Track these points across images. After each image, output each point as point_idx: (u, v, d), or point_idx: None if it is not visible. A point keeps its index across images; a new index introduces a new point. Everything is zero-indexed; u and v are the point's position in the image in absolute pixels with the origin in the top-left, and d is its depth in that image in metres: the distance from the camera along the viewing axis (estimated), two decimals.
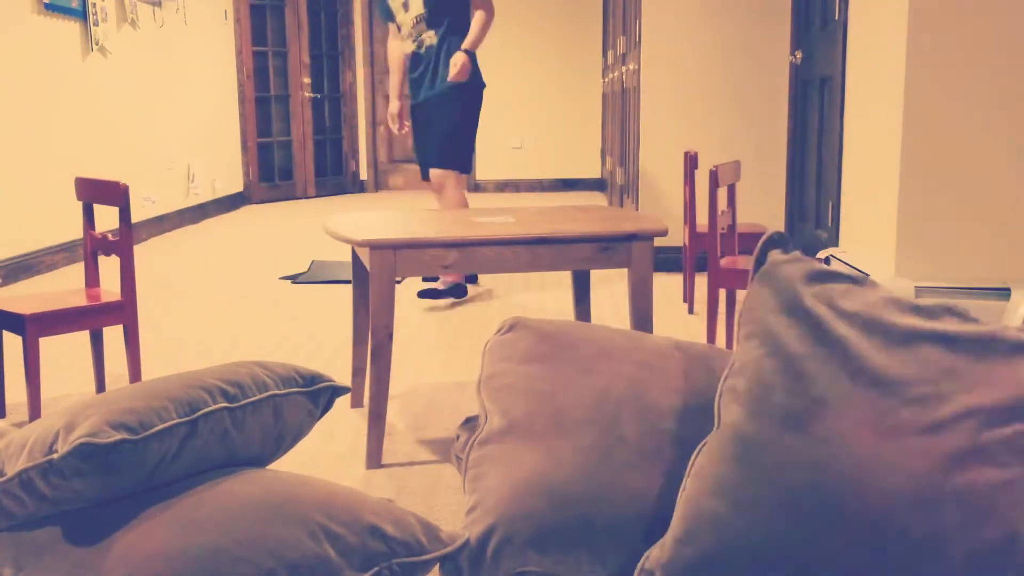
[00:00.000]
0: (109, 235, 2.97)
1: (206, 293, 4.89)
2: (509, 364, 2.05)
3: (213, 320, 4.26)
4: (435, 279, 4.74)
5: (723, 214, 3.55)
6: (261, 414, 1.76)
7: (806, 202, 5.05)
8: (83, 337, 3.92)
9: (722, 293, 4.89)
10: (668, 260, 5.56)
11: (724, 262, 3.48)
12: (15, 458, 1.55)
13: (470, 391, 3.17)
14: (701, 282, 4.69)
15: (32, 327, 2.74)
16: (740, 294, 4.69)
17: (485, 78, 10.02)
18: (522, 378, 2.00)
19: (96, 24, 6.11)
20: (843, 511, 1.41)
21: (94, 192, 2.98)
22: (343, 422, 2.88)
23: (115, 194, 2.88)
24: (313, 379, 1.88)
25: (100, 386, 3.15)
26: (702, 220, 4.95)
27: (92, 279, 3.08)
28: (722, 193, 4.87)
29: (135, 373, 2.98)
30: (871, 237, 3.92)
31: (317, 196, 9.78)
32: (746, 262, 3.50)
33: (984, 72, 3.53)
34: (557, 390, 1.95)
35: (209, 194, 8.16)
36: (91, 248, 3.05)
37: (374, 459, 2.53)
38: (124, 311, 2.93)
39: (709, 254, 3.41)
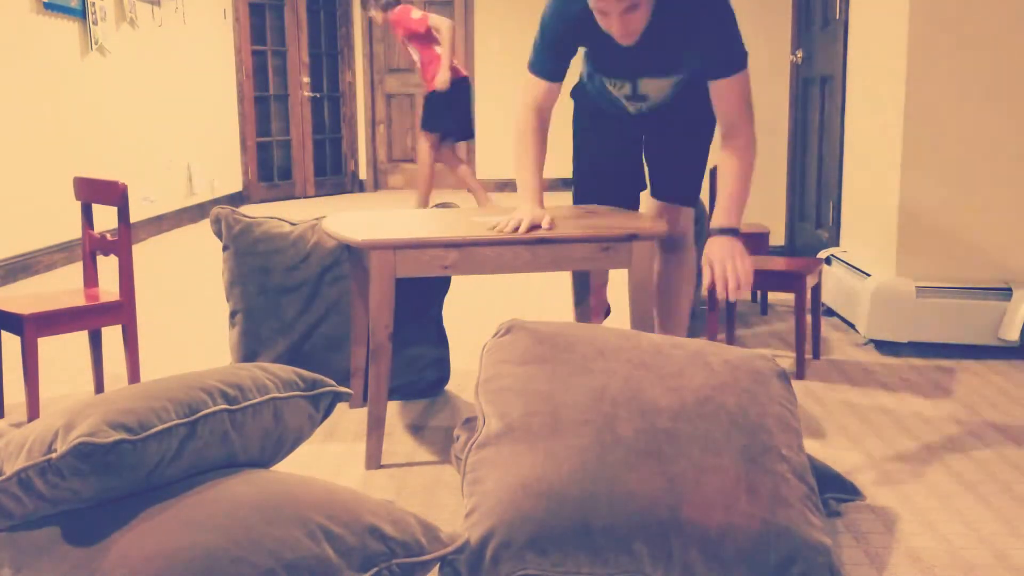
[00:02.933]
0: (108, 235, 2.96)
1: (205, 293, 4.88)
2: (506, 366, 2.04)
3: (212, 320, 4.26)
4: None
5: None
6: (261, 417, 1.75)
7: (807, 202, 5.04)
8: (82, 337, 3.91)
9: None
10: None
11: None
12: (14, 457, 1.54)
13: (469, 391, 3.17)
14: None
15: (30, 327, 2.73)
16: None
17: (485, 78, 10.01)
18: (519, 380, 2.00)
19: (95, 23, 6.11)
20: None
21: (93, 192, 2.97)
22: (342, 422, 2.88)
23: (114, 194, 2.87)
24: (314, 383, 1.87)
25: (99, 386, 3.14)
26: None
27: (91, 279, 3.07)
28: None
29: (134, 373, 2.97)
30: (871, 237, 3.92)
31: (316, 196, 9.78)
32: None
33: (985, 72, 3.52)
34: (554, 391, 1.95)
35: (208, 194, 8.15)
36: (90, 248, 3.04)
37: (373, 460, 2.52)
38: (123, 311, 2.92)
39: None
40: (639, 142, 2.97)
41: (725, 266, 2.39)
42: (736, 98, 2.55)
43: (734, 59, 2.56)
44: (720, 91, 2.55)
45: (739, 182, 2.52)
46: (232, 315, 3.06)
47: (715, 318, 3.36)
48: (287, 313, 3.00)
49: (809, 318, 3.79)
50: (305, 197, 9.67)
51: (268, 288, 3.00)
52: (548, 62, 2.71)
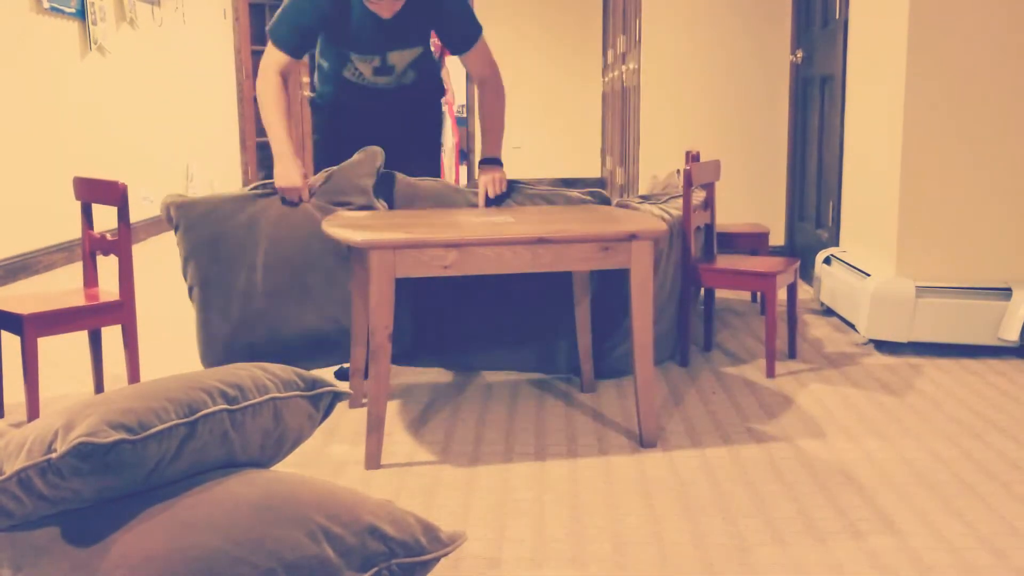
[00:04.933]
0: (108, 235, 2.96)
1: None
2: None
3: None
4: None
5: (696, 212, 3.49)
6: (261, 417, 1.75)
7: (806, 202, 5.04)
8: (82, 337, 3.91)
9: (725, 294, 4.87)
10: None
11: (705, 262, 3.47)
12: (14, 457, 1.54)
13: (470, 391, 3.17)
14: None
15: (30, 327, 2.73)
16: (729, 294, 4.68)
17: None
18: None
19: (95, 23, 6.11)
20: None
21: (92, 192, 2.97)
22: (342, 422, 2.88)
23: (114, 194, 2.87)
24: (314, 383, 1.88)
25: (99, 386, 3.14)
26: None
27: (90, 279, 3.07)
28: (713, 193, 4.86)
29: (133, 373, 2.97)
30: (871, 237, 3.92)
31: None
32: (726, 261, 3.49)
33: (984, 72, 3.52)
34: None
35: (207, 193, 8.15)
36: (89, 248, 3.04)
37: (373, 460, 2.52)
38: (123, 311, 2.92)
39: (683, 253, 3.41)
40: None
41: (493, 183, 3.12)
42: (484, 58, 3.18)
43: (472, 33, 3.13)
44: (470, 59, 3.16)
45: (498, 120, 3.21)
46: (190, 291, 3.09)
47: (686, 319, 3.36)
48: (238, 280, 3.04)
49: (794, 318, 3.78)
50: None
51: (220, 257, 3.03)
52: (295, 39, 3.04)
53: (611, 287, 3.25)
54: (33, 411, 2.76)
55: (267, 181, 3.13)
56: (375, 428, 2.50)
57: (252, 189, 3.10)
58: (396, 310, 3.16)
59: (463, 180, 10.49)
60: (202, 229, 3.04)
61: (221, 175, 8.47)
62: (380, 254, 2.43)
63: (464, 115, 11.96)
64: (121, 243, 2.90)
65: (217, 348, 3.06)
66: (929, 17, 3.50)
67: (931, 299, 3.53)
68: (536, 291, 3.21)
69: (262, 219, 3.04)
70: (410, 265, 2.45)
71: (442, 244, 2.44)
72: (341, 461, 2.57)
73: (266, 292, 3.05)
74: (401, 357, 3.26)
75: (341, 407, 3.01)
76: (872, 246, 3.90)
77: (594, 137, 10.07)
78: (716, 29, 5.45)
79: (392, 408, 3.00)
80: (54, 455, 1.49)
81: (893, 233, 3.66)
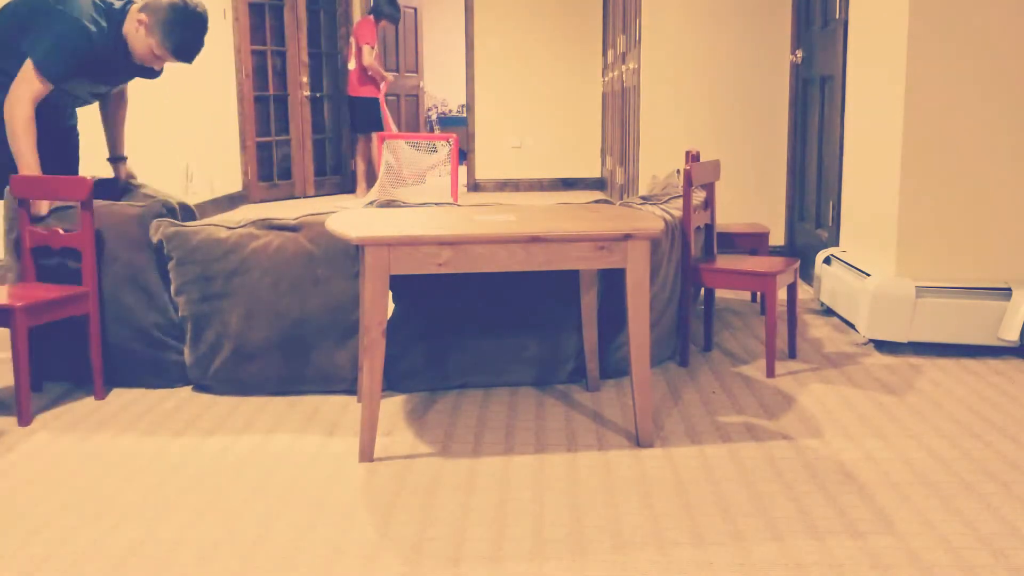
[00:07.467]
0: (59, 230, 3.05)
1: None
2: None
3: None
4: None
5: (696, 212, 3.47)
6: None
7: (806, 202, 5.03)
8: None
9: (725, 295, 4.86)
10: None
11: (704, 262, 3.46)
12: None
13: (470, 391, 3.16)
14: None
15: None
16: (729, 294, 4.67)
17: (484, 79, 10.00)
18: None
19: None
20: None
21: (54, 189, 3.02)
22: (344, 420, 2.87)
23: (80, 189, 2.94)
24: None
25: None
26: None
27: (29, 274, 3.13)
28: (715, 193, 4.84)
29: (97, 362, 3.06)
30: (871, 237, 3.91)
31: (316, 195, 9.77)
32: (725, 261, 3.48)
33: (985, 72, 3.51)
34: None
35: (207, 194, 8.14)
36: (31, 244, 3.10)
37: (367, 453, 2.52)
38: (87, 301, 3.01)
39: (683, 253, 3.40)
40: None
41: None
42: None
43: None
44: None
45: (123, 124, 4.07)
46: (182, 321, 3.14)
47: (686, 321, 3.35)
48: (229, 318, 3.07)
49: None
50: (305, 197, 9.66)
51: (210, 295, 3.07)
52: (69, 71, 3.20)
53: (616, 287, 3.23)
54: (25, 410, 2.76)
55: (264, 219, 3.13)
56: (369, 421, 2.50)
57: (245, 226, 3.10)
58: (402, 339, 3.15)
59: (462, 180, 10.49)
60: (194, 266, 3.07)
61: (221, 175, 8.46)
62: (375, 250, 2.42)
63: (464, 115, 11.95)
64: (85, 236, 2.99)
65: (205, 373, 3.13)
66: (929, 17, 3.49)
67: (931, 299, 3.52)
68: (539, 301, 3.19)
69: (255, 261, 3.04)
70: (405, 262, 2.44)
71: (436, 241, 2.43)
72: (341, 459, 2.56)
73: (258, 340, 3.07)
74: (399, 382, 3.16)
75: (343, 403, 3.00)
76: (872, 246, 3.89)
77: (594, 137, 10.06)
78: (716, 29, 5.44)
79: (392, 407, 2.99)
80: None
81: (893, 233, 3.64)
